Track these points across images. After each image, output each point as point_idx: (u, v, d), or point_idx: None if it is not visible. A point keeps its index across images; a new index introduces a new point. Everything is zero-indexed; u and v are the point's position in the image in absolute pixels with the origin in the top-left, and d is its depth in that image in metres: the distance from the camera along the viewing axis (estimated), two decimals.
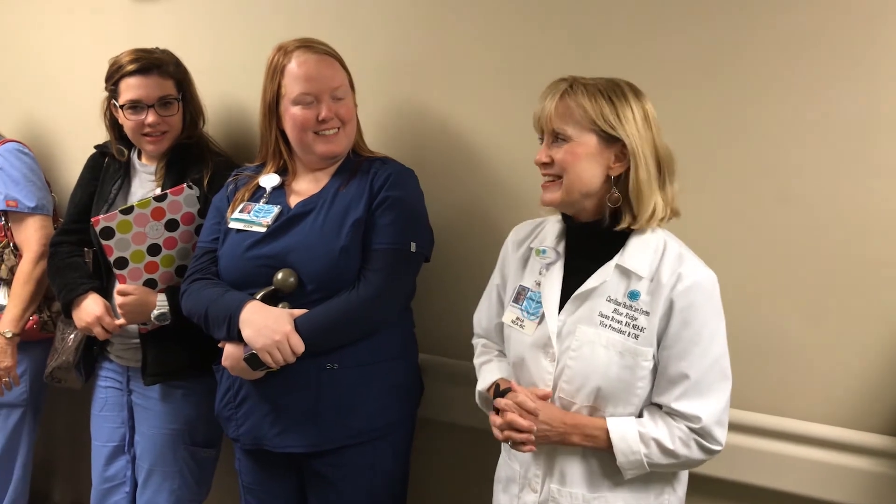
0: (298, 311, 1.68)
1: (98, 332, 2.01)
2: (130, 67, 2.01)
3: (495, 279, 1.66)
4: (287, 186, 1.83)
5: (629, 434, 1.39)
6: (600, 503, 1.44)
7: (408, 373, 1.87)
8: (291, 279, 1.69)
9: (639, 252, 1.42)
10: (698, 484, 1.76)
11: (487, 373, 1.63)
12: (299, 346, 1.65)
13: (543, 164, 1.44)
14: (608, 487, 1.44)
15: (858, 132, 1.61)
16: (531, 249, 1.56)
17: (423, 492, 2.16)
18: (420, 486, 2.11)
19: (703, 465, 1.70)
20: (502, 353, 1.65)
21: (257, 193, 1.83)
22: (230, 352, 1.71)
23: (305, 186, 1.82)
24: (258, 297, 1.69)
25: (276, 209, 1.77)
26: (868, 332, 1.65)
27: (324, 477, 1.78)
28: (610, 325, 1.40)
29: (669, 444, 1.39)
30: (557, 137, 1.42)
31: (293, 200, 1.79)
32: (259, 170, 1.88)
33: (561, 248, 1.52)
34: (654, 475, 1.45)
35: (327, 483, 1.79)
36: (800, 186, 1.67)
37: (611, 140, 1.40)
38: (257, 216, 1.77)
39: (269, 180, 1.83)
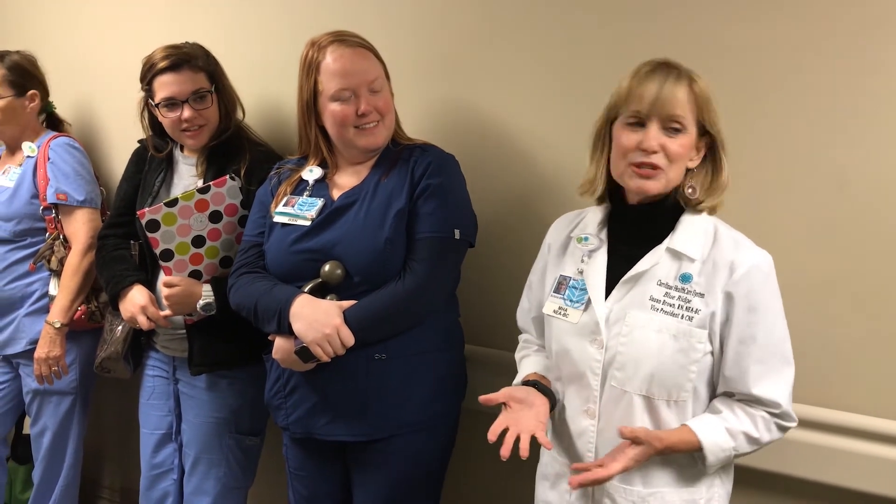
0: (347, 303, 1.69)
1: (142, 321, 2.04)
2: (162, 65, 2.03)
3: (534, 273, 1.64)
4: (329, 179, 1.83)
5: (718, 436, 1.37)
6: (656, 499, 1.42)
7: (455, 363, 1.88)
8: (338, 271, 1.69)
9: (690, 234, 1.41)
10: (747, 477, 1.74)
11: (524, 367, 1.63)
12: (349, 338, 1.66)
13: (652, 152, 1.37)
14: (664, 483, 1.42)
15: None
16: (571, 239, 1.54)
17: (463, 482, 2.16)
18: (460, 477, 2.11)
19: (753, 458, 1.68)
20: (542, 348, 1.64)
21: (300, 186, 1.84)
22: (281, 345, 1.72)
23: (347, 179, 1.82)
24: (306, 289, 1.70)
25: (319, 202, 1.77)
26: None
27: (369, 462, 1.80)
28: (662, 309, 1.39)
29: (756, 434, 1.39)
30: (670, 126, 1.37)
31: (336, 193, 1.80)
32: (300, 163, 1.89)
33: (604, 234, 1.50)
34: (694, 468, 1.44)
35: (373, 468, 1.80)
36: (860, 172, 1.62)
37: (703, 134, 1.40)
38: (301, 209, 1.78)
39: (311, 173, 1.83)
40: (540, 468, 1.62)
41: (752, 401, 1.39)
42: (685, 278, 1.39)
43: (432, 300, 1.75)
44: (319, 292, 1.71)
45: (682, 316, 1.38)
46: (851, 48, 1.60)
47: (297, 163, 1.90)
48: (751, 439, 1.39)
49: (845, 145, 1.63)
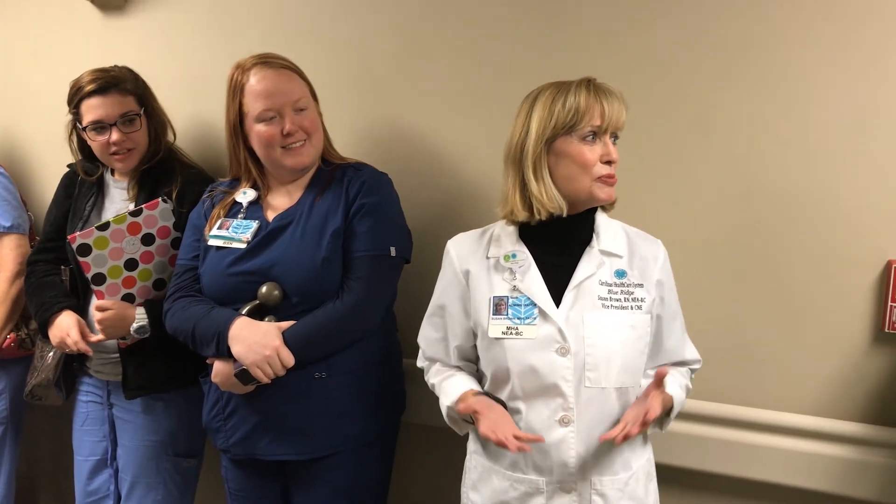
0: (286, 324, 1.70)
1: (70, 343, 2.01)
2: (89, 88, 2.01)
3: (448, 303, 1.59)
4: (263, 201, 1.84)
5: (679, 391, 1.52)
6: (634, 477, 1.51)
7: (393, 378, 1.91)
8: (276, 292, 1.70)
9: (611, 235, 1.53)
10: (672, 475, 1.82)
11: (453, 387, 1.56)
12: (289, 359, 1.67)
13: (614, 163, 1.47)
14: (634, 459, 1.52)
15: (822, 127, 1.67)
16: (490, 259, 1.55)
17: (405, 494, 2.19)
18: (402, 489, 2.14)
19: (676, 457, 1.79)
20: (459, 369, 1.62)
21: (234, 209, 1.84)
22: (220, 369, 1.72)
23: (280, 200, 1.83)
24: (244, 311, 1.71)
25: (254, 224, 1.78)
26: (833, 324, 1.71)
27: (311, 479, 1.81)
28: (612, 305, 1.48)
29: (689, 384, 1.58)
30: (614, 135, 1.48)
31: (270, 215, 1.81)
32: (233, 185, 1.89)
33: (524, 248, 1.53)
34: (643, 437, 1.58)
35: (315, 485, 1.81)
36: (764, 183, 1.73)
37: None
38: (236, 232, 1.78)
39: (244, 195, 1.84)
40: (490, 495, 1.56)
41: (679, 363, 1.58)
42: (620, 274, 1.50)
43: (371, 318, 1.77)
44: (257, 314, 1.72)
45: (632, 307, 1.48)
46: (757, 62, 1.71)
47: (229, 185, 1.90)
48: (687, 389, 1.57)
49: (752, 156, 1.73)
